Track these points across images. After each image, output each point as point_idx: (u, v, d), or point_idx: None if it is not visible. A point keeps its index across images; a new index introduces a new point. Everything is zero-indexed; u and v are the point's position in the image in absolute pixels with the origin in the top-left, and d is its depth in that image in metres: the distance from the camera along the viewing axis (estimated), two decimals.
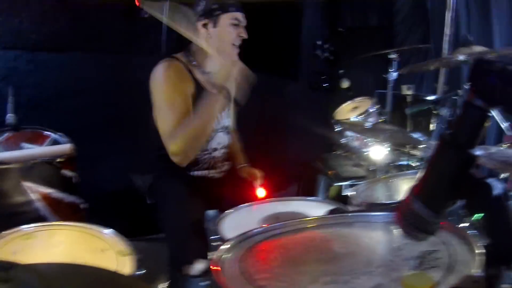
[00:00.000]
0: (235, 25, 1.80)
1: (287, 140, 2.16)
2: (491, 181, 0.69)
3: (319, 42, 3.96)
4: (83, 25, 2.76)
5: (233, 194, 1.91)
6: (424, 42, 3.53)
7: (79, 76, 2.77)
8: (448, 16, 2.85)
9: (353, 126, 2.67)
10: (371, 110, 2.69)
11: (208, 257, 1.43)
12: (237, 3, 1.83)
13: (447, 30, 2.84)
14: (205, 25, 1.81)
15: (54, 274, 0.77)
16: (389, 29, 3.91)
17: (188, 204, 1.76)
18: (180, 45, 1.92)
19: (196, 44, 1.84)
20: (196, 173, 1.91)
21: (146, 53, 2.93)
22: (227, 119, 1.97)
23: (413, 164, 2.43)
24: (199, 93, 1.79)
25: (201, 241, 1.57)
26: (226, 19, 1.79)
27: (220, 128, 1.93)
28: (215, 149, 1.93)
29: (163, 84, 1.76)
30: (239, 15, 1.82)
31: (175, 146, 1.69)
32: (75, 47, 2.77)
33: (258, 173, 1.98)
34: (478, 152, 0.72)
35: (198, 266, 1.43)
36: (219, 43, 1.81)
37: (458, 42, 2.78)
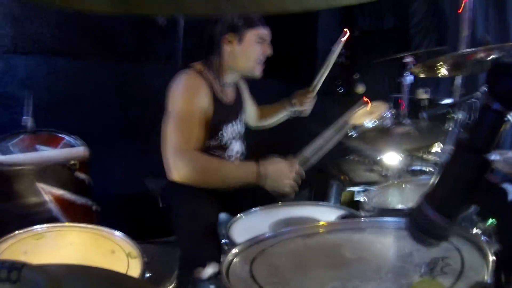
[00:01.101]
0: (260, 42, 1.78)
1: (301, 145, 2.15)
2: (506, 186, 0.67)
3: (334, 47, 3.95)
4: (99, 32, 2.80)
5: (245, 197, 1.91)
6: (440, 45, 3.48)
7: (94, 81, 2.81)
8: (464, 17, 2.80)
9: (368, 131, 2.64)
10: (386, 115, 2.66)
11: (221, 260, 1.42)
12: (262, 18, 1.80)
13: (463, 32, 2.80)
14: (230, 41, 1.77)
15: (63, 275, 0.78)
16: (404, 32, 3.87)
17: (201, 207, 1.75)
18: (197, 54, 1.90)
19: (216, 56, 1.80)
20: None
21: (161, 61, 2.96)
22: (242, 126, 1.98)
23: (427, 170, 2.39)
24: (215, 103, 1.78)
25: (214, 244, 1.57)
26: (252, 35, 1.76)
27: (237, 137, 1.94)
28: (230, 157, 1.93)
29: (179, 99, 1.72)
30: (265, 32, 1.79)
31: (179, 169, 1.63)
32: (91, 54, 2.81)
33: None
34: (493, 156, 0.70)
35: (210, 270, 1.43)
36: (244, 60, 1.79)
37: (475, 43, 2.73)
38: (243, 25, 1.75)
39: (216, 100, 1.80)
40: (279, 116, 2.24)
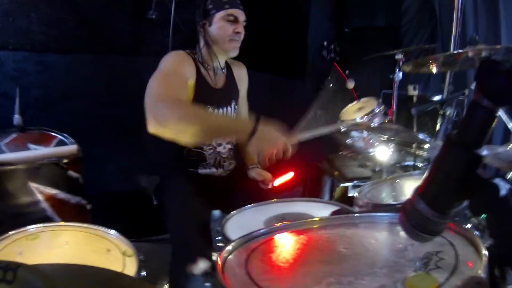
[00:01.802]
0: (231, 21, 1.82)
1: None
2: (497, 181, 0.68)
3: (325, 43, 3.96)
4: (90, 26, 2.78)
5: (239, 193, 1.92)
6: (431, 42, 3.51)
7: (86, 77, 2.79)
8: (456, 15, 2.83)
9: (359, 126, 2.65)
10: (376, 111, 2.68)
11: (213, 257, 1.43)
12: (236, 1, 1.85)
13: (455, 30, 2.82)
14: (203, 26, 1.85)
15: (59, 275, 0.77)
16: (396, 29, 3.89)
17: (194, 203, 1.75)
18: (186, 46, 1.94)
19: (200, 44, 1.89)
20: (202, 171, 1.91)
21: (153, 54, 2.94)
22: (233, 114, 1.98)
23: (419, 165, 2.41)
24: (200, 87, 1.82)
25: (206, 240, 1.57)
26: (220, 16, 1.82)
27: None
28: (219, 144, 1.93)
29: (164, 61, 1.77)
30: (235, 11, 1.83)
31: (158, 113, 1.45)
32: (82, 49, 2.79)
33: (268, 175, 1.95)
34: (484, 152, 0.71)
35: (202, 266, 1.43)
36: (216, 40, 1.84)
37: (465, 42, 2.76)
38: (212, 8, 1.82)
39: (201, 80, 1.85)
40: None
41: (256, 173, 2.00)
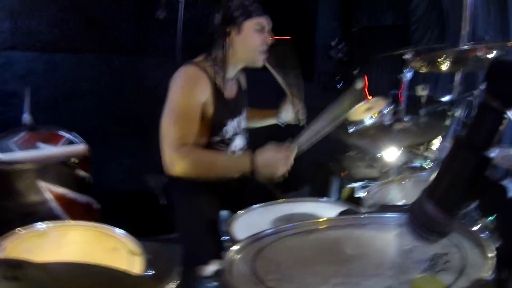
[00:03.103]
0: (259, 30, 1.76)
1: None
2: (505, 182, 0.68)
3: (333, 43, 3.95)
4: (97, 26, 2.80)
5: (247, 194, 1.92)
6: (440, 42, 3.48)
7: (93, 76, 2.81)
8: (465, 14, 2.80)
9: (367, 127, 2.64)
10: (385, 111, 2.66)
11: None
12: (260, 7, 1.78)
13: (464, 29, 2.80)
14: (228, 33, 1.76)
15: (65, 273, 0.78)
16: (404, 28, 3.86)
17: (202, 204, 1.76)
18: (196, 48, 1.89)
19: (217, 50, 1.80)
20: None
21: (159, 55, 2.96)
22: (244, 121, 1.98)
23: (427, 166, 2.39)
24: (217, 98, 1.78)
25: (215, 241, 1.57)
26: (250, 25, 1.75)
27: (239, 132, 1.94)
28: (233, 152, 1.93)
29: (177, 92, 1.72)
30: (264, 20, 1.77)
31: (174, 162, 1.66)
32: (90, 49, 2.81)
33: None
34: (493, 153, 0.70)
35: (212, 267, 1.43)
36: (244, 51, 1.78)
37: (475, 41, 2.73)
38: (240, 15, 1.74)
39: (218, 95, 1.79)
40: (266, 123, 2.20)
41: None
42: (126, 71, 2.90)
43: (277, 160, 1.65)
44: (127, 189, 2.72)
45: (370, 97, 2.43)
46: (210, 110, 1.78)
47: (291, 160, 1.67)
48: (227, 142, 1.88)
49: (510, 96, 0.67)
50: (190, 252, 1.66)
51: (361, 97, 2.10)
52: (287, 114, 2.03)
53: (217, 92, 1.80)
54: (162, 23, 2.85)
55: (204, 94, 1.75)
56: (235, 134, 1.91)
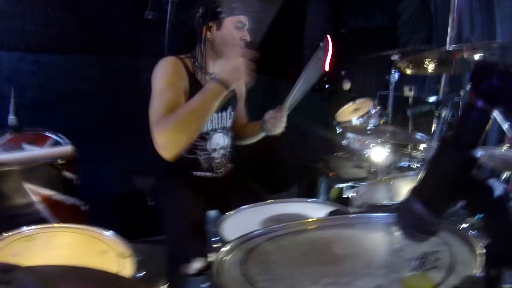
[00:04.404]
0: (239, 28, 1.80)
1: (288, 141, 2.17)
2: (492, 182, 0.69)
3: (321, 44, 3.96)
4: (86, 26, 2.77)
5: (235, 194, 1.92)
6: (427, 43, 3.52)
7: (81, 77, 2.78)
8: (451, 17, 2.84)
9: (355, 128, 2.67)
10: (372, 112, 2.69)
11: (208, 257, 1.43)
12: (242, 6, 1.82)
13: (450, 31, 2.84)
14: (209, 28, 1.81)
15: (55, 277, 0.77)
16: (392, 30, 3.91)
17: (189, 204, 1.76)
18: (183, 47, 1.91)
19: (198, 46, 1.84)
20: (197, 173, 1.91)
21: (150, 55, 2.93)
22: (228, 119, 1.97)
23: (414, 166, 2.42)
24: (195, 90, 1.75)
25: (200, 240, 1.57)
26: (230, 22, 1.79)
27: (220, 128, 1.94)
28: (214, 150, 1.93)
29: (157, 77, 1.75)
30: (244, 18, 1.82)
31: (161, 134, 1.59)
32: (79, 49, 2.78)
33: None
34: (479, 153, 0.71)
35: (196, 265, 1.43)
36: (223, 46, 1.82)
37: (461, 43, 2.77)
38: (222, 13, 1.78)
39: (197, 86, 1.80)
40: (258, 137, 2.14)
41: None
42: (115, 72, 2.88)
43: (235, 63, 1.65)
44: (117, 191, 2.70)
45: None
46: (183, 97, 1.78)
47: (243, 58, 1.66)
48: (204, 137, 1.89)
49: (495, 96, 0.68)
50: (175, 250, 1.65)
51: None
52: (274, 125, 1.99)
53: (196, 84, 1.82)
54: (152, 24, 2.84)
55: (182, 80, 1.78)
56: (214, 130, 1.91)
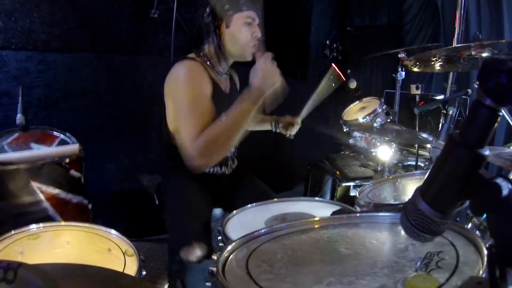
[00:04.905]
0: (249, 24, 1.74)
1: (294, 140, 2.17)
2: (499, 181, 0.68)
3: (327, 42, 3.95)
4: (92, 25, 2.78)
5: (241, 192, 1.91)
6: (434, 41, 3.50)
7: (87, 76, 2.79)
8: (458, 14, 2.82)
9: (361, 126, 2.65)
10: (379, 110, 2.67)
11: (213, 256, 1.43)
12: (250, 1, 1.76)
13: (457, 28, 2.81)
14: (217, 27, 1.75)
15: (60, 275, 0.78)
16: (398, 28, 3.88)
17: (194, 200, 1.75)
18: (189, 46, 1.88)
19: (208, 45, 1.79)
20: (206, 170, 1.89)
21: (155, 54, 2.94)
22: None
23: (421, 165, 2.41)
24: (216, 94, 1.76)
25: (205, 235, 1.57)
26: (239, 18, 1.73)
27: None
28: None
29: (185, 86, 1.67)
30: (253, 14, 1.75)
31: (201, 157, 1.56)
32: (84, 48, 2.79)
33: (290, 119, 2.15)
34: (487, 151, 0.70)
35: (198, 252, 1.43)
36: (233, 44, 1.77)
37: (468, 40, 2.75)
38: (229, 9, 1.72)
39: (217, 89, 1.78)
40: (262, 128, 2.22)
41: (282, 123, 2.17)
42: (120, 70, 2.89)
43: (268, 70, 1.63)
44: (121, 189, 2.70)
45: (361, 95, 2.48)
46: (212, 104, 1.75)
47: (273, 65, 1.65)
48: None
49: (503, 94, 0.67)
50: (178, 243, 1.62)
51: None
52: (293, 129, 2.16)
53: (216, 86, 1.78)
54: (157, 22, 2.84)
55: (207, 87, 1.73)
56: None
